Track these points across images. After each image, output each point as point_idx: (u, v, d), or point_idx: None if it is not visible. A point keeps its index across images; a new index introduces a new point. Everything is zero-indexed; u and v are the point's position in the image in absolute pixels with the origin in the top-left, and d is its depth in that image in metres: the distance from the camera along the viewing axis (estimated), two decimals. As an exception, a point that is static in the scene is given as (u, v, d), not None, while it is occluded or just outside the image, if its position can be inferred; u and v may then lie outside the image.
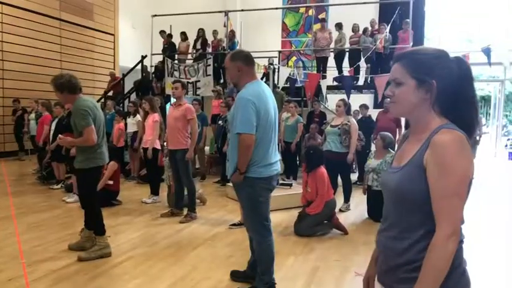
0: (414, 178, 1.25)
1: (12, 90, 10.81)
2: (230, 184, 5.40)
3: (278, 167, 2.95)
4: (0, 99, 10.78)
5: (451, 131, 1.22)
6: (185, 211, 5.15)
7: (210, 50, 11.23)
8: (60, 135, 3.87)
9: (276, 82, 9.44)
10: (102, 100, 10.54)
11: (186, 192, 5.21)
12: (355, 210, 5.70)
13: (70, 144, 4.23)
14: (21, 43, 11.12)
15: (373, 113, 8.19)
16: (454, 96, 1.27)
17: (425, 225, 1.24)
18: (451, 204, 1.18)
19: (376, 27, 10.02)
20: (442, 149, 1.19)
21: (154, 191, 6.05)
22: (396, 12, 10.42)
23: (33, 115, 8.94)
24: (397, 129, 7.68)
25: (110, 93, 11.36)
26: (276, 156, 2.95)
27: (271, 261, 2.98)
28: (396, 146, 6.08)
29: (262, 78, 9.28)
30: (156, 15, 11.44)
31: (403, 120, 7.88)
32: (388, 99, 8.06)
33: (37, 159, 7.99)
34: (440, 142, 1.20)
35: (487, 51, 8.59)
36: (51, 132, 6.67)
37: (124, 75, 11.60)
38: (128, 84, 11.74)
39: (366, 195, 5.42)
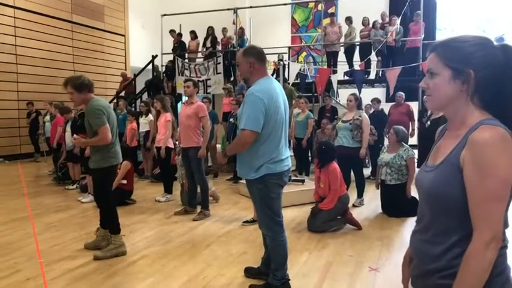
0: (449, 179, 1.13)
1: (26, 93, 11.00)
2: (243, 181, 5.41)
3: (289, 163, 2.94)
4: (15, 102, 10.99)
5: (492, 127, 1.08)
6: (198, 209, 5.18)
7: (219, 48, 11.26)
8: (74, 136, 3.92)
9: (286, 77, 9.41)
10: (114, 101, 10.65)
11: (199, 190, 5.24)
12: (368, 205, 5.67)
13: (85, 145, 4.29)
14: (35, 46, 11.31)
15: (385, 107, 8.11)
16: (498, 87, 1.14)
17: (462, 229, 1.13)
18: (490, 209, 1.06)
19: (387, 19, 9.89)
20: (481, 148, 1.06)
21: (168, 190, 6.10)
22: (407, 4, 10.28)
23: (47, 117, 9.08)
24: (410, 123, 7.61)
25: (122, 94, 11.47)
26: (287, 152, 2.94)
27: (285, 258, 2.98)
28: (410, 139, 6.01)
29: (272, 75, 9.27)
30: (165, 15, 11.50)
31: (415, 114, 7.80)
32: (401, 93, 7.93)
33: (52, 160, 8.11)
34: (478, 140, 1.07)
35: (500, 41, 8.41)
36: (67, 134, 6.76)
37: (135, 75, 11.70)
38: (140, 84, 11.85)
39: (379, 190, 5.38)
